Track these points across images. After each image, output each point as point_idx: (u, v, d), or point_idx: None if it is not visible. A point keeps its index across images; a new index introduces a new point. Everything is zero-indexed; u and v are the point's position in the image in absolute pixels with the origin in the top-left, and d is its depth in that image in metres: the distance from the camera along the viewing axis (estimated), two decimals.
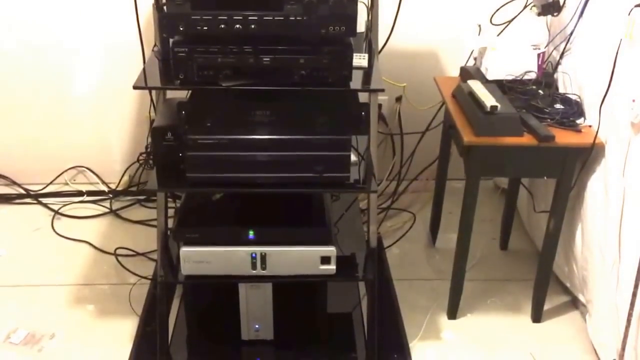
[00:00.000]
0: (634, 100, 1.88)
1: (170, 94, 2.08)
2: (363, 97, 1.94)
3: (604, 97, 2.00)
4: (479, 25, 2.36)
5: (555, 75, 2.31)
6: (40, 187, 3.06)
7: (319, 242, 1.97)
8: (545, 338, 2.30)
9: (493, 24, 2.38)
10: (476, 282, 2.51)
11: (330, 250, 1.97)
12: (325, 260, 1.97)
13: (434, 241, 2.78)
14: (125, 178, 3.07)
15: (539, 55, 2.26)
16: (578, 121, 2.12)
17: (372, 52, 2.05)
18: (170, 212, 2.22)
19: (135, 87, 1.82)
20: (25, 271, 2.57)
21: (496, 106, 2.03)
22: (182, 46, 1.73)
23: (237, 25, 1.70)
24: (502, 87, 2.23)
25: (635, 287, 1.85)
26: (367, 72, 1.95)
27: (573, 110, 2.14)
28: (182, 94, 2.01)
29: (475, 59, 2.45)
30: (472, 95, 2.15)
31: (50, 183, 3.08)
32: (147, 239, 2.69)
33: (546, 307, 2.37)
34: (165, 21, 1.73)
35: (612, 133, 2.02)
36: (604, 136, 2.05)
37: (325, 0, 1.69)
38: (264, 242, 1.97)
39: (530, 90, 2.22)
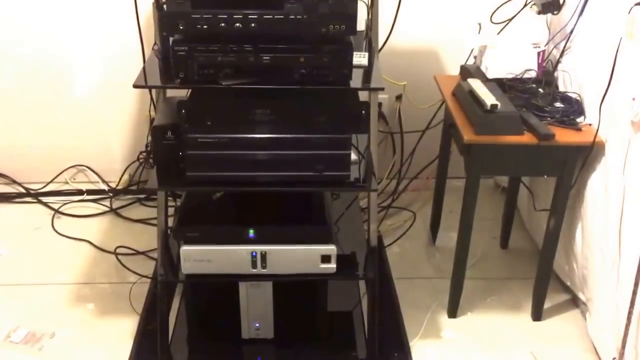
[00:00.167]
0: (634, 99, 1.88)
1: (171, 92, 2.08)
2: (363, 95, 1.93)
3: (604, 96, 2.00)
4: (479, 24, 2.36)
5: (555, 74, 2.31)
6: (41, 186, 3.06)
7: (319, 241, 1.97)
8: (546, 336, 2.30)
9: (493, 23, 2.38)
10: (476, 281, 2.51)
11: (330, 248, 1.97)
12: (325, 259, 1.97)
13: (434, 240, 2.78)
14: (126, 177, 3.07)
15: (539, 53, 2.26)
16: (578, 120, 2.12)
17: (372, 50, 2.05)
18: (171, 210, 2.22)
19: (135, 86, 1.83)
20: (26, 270, 2.57)
21: (496, 105, 2.03)
22: (182, 45, 1.73)
23: (238, 24, 1.70)
24: (502, 85, 2.22)
25: (636, 285, 1.85)
26: (367, 71, 1.95)
27: (573, 109, 2.14)
28: (182, 93, 2.01)
29: (475, 57, 2.44)
30: (472, 93, 2.15)
31: (51, 182, 3.08)
32: (148, 238, 2.69)
33: (546, 305, 2.37)
34: (165, 20, 1.73)
35: (612, 131, 2.02)
36: (604, 135, 2.05)
37: None
38: (264, 241, 1.97)
39: (531, 88, 2.22)
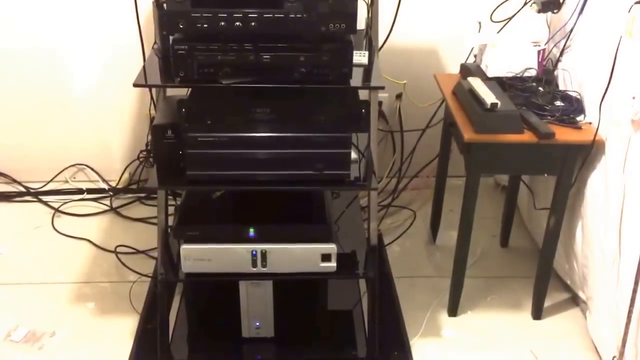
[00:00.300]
0: (634, 97, 1.88)
1: (171, 91, 2.08)
2: (363, 94, 1.93)
3: (604, 94, 2.00)
4: (479, 23, 2.36)
5: (555, 73, 2.31)
6: (41, 185, 3.06)
7: (319, 240, 1.97)
8: (546, 335, 2.30)
9: (493, 21, 2.37)
10: (476, 280, 2.51)
11: (330, 247, 1.97)
12: (325, 257, 1.97)
13: (434, 238, 2.78)
14: (126, 176, 3.07)
15: (539, 52, 2.26)
16: (578, 118, 2.12)
17: (372, 49, 2.05)
18: (171, 209, 2.22)
19: (135, 85, 1.83)
20: (26, 269, 2.57)
21: (496, 103, 2.03)
22: (182, 44, 1.73)
23: (237, 23, 1.70)
24: (502, 84, 2.22)
25: (636, 284, 1.85)
26: (367, 70, 1.95)
27: (573, 108, 2.14)
28: (182, 92, 2.01)
29: (475, 56, 2.44)
30: (472, 92, 2.15)
31: (51, 181, 3.08)
32: (148, 237, 2.69)
33: (546, 304, 2.37)
34: (165, 18, 1.73)
35: (612, 130, 2.02)
36: (604, 133, 2.05)
37: None
38: (264, 240, 1.97)
39: (531, 87, 2.22)
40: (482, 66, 2.34)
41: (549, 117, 2.10)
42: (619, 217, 2.00)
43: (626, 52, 1.92)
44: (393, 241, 2.75)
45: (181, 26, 1.71)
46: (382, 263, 2.52)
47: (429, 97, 2.69)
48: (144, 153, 3.02)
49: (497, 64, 2.28)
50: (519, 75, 2.26)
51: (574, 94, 2.19)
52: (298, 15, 1.70)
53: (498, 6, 2.36)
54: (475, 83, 2.17)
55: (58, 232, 2.80)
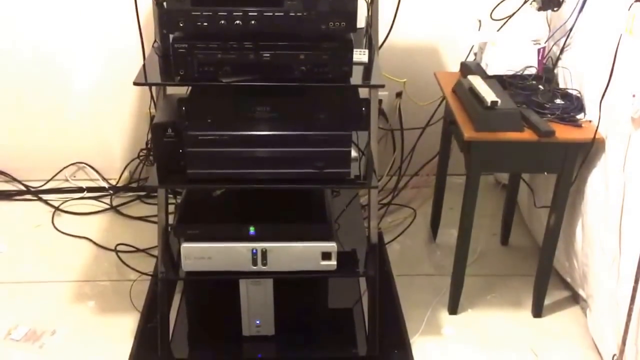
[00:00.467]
0: (634, 96, 1.88)
1: (171, 90, 2.07)
2: (363, 92, 1.93)
3: (604, 92, 2.00)
4: (479, 21, 2.36)
5: (555, 71, 2.31)
6: (41, 183, 3.06)
7: (319, 238, 1.97)
8: (546, 333, 2.30)
9: (493, 19, 2.37)
10: (477, 278, 2.51)
11: (331, 246, 1.97)
12: (326, 256, 1.97)
13: (434, 237, 2.78)
14: (126, 174, 3.08)
15: (539, 50, 2.26)
16: (578, 116, 2.12)
17: (372, 47, 2.05)
18: (171, 208, 2.22)
19: (135, 84, 1.82)
20: (26, 268, 2.57)
21: (496, 101, 2.03)
22: (182, 42, 1.73)
23: (237, 21, 1.70)
24: (502, 82, 2.22)
25: (636, 282, 1.86)
26: (368, 68, 1.95)
27: (573, 106, 2.14)
28: (182, 90, 2.01)
29: (475, 54, 2.44)
30: (472, 90, 2.15)
31: (51, 179, 3.08)
32: (148, 235, 2.69)
33: (547, 302, 2.37)
34: (165, 17, 1.72)
35: (612, 128, 2.02)
36: (604, 131, 2.05)
37: None
38: (264, 238, 1.97)
39: (531, 85, 2.22)
40: (482, 64, 2.34)
41: (549, 115, 2.10)
42: (619, 215, 2.00)
43: (626, 50, 1.92)
44: (393, 239, 2.76)
45: (181, 25, 1.71)
46: (382, 261, 2.52)
47: (429, 96, 2.69)
48: (144, 151, 3.02)
49: (497, 62, 2.28)
50: (519, 74, 2.26)
51: (574, 92, 2.19)
52: (298, 14, 1.70)
53: (498, 4, 2.36)
54: (476, 81, 2.17)
55: (58, 230, 2.80)
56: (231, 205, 2.09)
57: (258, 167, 1.86)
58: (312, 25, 1.72)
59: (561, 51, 2.29)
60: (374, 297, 2.09)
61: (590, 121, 2.10)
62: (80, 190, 3.04)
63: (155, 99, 2.22)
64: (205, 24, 1.70)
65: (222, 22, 1.70)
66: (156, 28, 1.97)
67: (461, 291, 2.35)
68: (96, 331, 2.27)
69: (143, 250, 2.63)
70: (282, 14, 1.70)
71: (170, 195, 2.48)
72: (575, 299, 2.44)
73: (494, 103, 2.03)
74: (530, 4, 2.28)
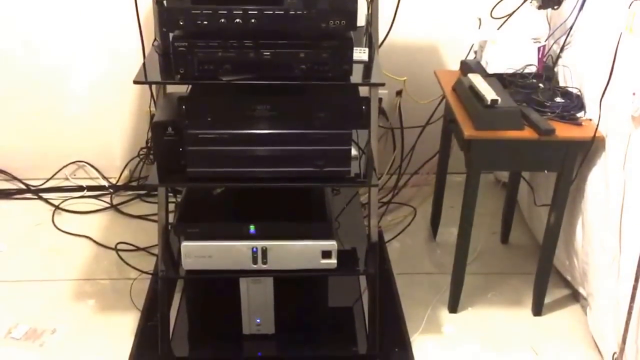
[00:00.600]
0: (634, 94, 1.87)
1: (171, 88, 2.07)
2: (363, 91, 1.93)
3: (604, 91, 2.00)
4: (479, 19, 2.36)
5: (555, 69, 2.31)
6: (41, 182, 3.06)
7: (320, 237, 1.97)
8: (546, 331, 2.30)
9: (493, 18, 2.37)
10: (477, 276, 2.51)
11: (331, 244, 1.97)
12: (326, 254, 1.98)
13: (434, 235, 2.78)
14: (126, 173, 3.08)
15: (539, 48, 2.26)
16: (578, 115, 2.12)
17: (372, 46, 2.05)
18: (171, 206, 2.22)
19: (135, 82, 1.82)
20: (26, 266, 2.57)
21: (497, 100, 2.03)
22: (182, 41, 1.73)
23: (238, 20, 1.70)
24: (502, 80, 2.22)
25: (636, 280, 1.85)
26: (368, 66, 1.95)
27: (573, 104, 2.14)
28: (182, 89, 2.00)
29: (475, 52, 2.44)
30: (472, 89, 2.15)
31: (51, 178, 3.08)
32: (148, 234, 2.69)
33: (547, 300, 2.37)
34: (165, 15, 1.72)
35: (612, 126, 2.02)
36: (605, 129, 2.05)
37: None
38: (265, 237, 1.97)
39: (531, 83, 2.22)
40: (482, 63, 2.34)
41: (549, 114, 2.10)
42: (619, 213, 2.00)
43: (626, 49, 1.92)
44: (393, 238, 2.76)
45: (181, 23, 1.71)
46: (382, 260, 2.52)
47: (429, 94, 2.69)
48: (144, 150, 3.02)
49: (497, 60, 2.28)
50: (519, 72, 2.26)
51: (574, 91, 2.19)
52: (298, 12, 1.70)
53: (498, 2, 2.35)
54: (476, 80, 2.17)
55: (58, 229, 2.80)
56: (231, 203, 2.09)
57: (258, 166, 1.86)
58: (312, 24, 1.72)
59: (561, 49, 2.28)
60: (374, 295, 2.09)
61: (590, 119, 2.10)
62: (80, 189, 3.04)
63: (155, 98, 2.22)
64: (205, 22, 1.70)
65: (222, 20, 1.70)
66: (156, 26, 1.97)
67: (461, 289, 2.35)
68: (96, 330, 2.27)
69: (143, 249, 2.64)
70: (282, 12, 1.70)
71: (171, 194, 2.48)
72: (575, 297, 2.44)
73: (494, 101, 2.03)
74: (531, 2, 2.27)
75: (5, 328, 2.26)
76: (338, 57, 1.76)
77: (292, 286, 2.15)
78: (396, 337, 2.22)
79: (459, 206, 2.22)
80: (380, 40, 2.35)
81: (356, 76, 1.84)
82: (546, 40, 2.29)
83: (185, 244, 1.95)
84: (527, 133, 2.04)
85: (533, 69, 2.26)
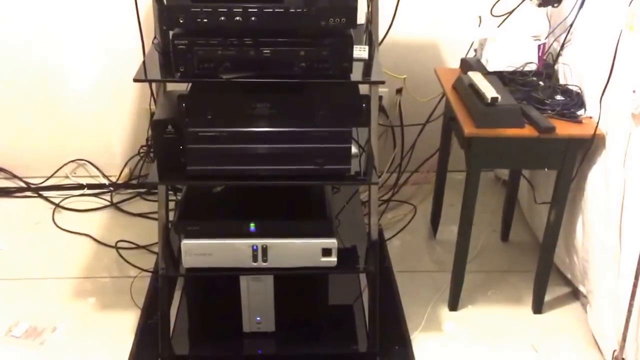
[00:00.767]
0: (634, 91, 1.87)
1: (171, 86, 2.07)
2: (364, 89, 1.93)
3: (604, 88, 2.00)
4: (480, 17, 2.35)
5: (555, 67, 2.31)
6: (41, 180, 3.06)
7: (320, 234, 1.97)
8: (546, 329, 2.30)
9: (493, 15, 2.37)
10: (477, 274, 2.51)
11: (331, 242, 1.97)
12: (326, 252, 1.98)
13: (434, 233, 2.78)
14: (126, 171, 3.07)
15: (539, 46, 2.26)
16: (579, 112, 2.12)
17: (372, 43, 2.05)
18: (171, 204, 2.22)
19: (135, 80, 1.82)
20: (26, 265, 2.57)
21: (497, 98, 2.03)
22: (182, 39, 1.73)
23: (237, 18, 1.70)
24: (502, 78, 2.22)
25: (636, 278, 1.86)
26: (368, 64, 1.95)
27: (574, 102, 2.14)
28: (182, 87, 2.00)
29: (475, 50, 2.44)
30: (472, 86, 2.15)
31: (51, 176, 3.08)
32: (148, 232, 2.69)
33: (547, 298, 2.37)
34: (165, 13, 1.73)
35: (612, 124, 2.01)
36: (605, 127, 2.05)
37: None
38: (265, 235, 1.97)
39: (531, 81, 2.21)
40: (483, 60, 2.34)
41: (550, 112, 2.10)
42: (619, 211, 2.00)
43: (627, 46, 1.92)
44: (393, 236, 2.76)
45: (181, 21, 1.71)
46: (382, 258, 2.52)
47: (430, 92, 2.69)
48: (145, 148, 3.02)
49: (497, 58, 2.27)
50: (519, 70, 2.25)
51: (574, 88, 2.19)
52: (298, 10, 1.70)
53: (498, 0, 2.35)
54: (476, 77, 2.17)
55: (58, 227, 2.80)
56: (231, 201, 2.09)
57: (258, 164, 1.86)
58: (312, 22, 1.71)
59: (561, 47, 2.28)
60: (375, 293, 2.09)
61: (590, 117, 2.10)
62: (80, 187, 3.04)
63: (155, 96, 2.22)
64: (205, 20, 1.70)
65: (222, 18, 1.70)
66: (156, 24, 1.97)
67: (461, 287, 2.35)
68: (97, 328, 2.27)
69: (143, 247, 2.64)
70: (282, 10, 1.70)
71: (171, 192, 2.48)
72: (575, 295, 2.44)
73: (494, 99, 2.03)
74: (531, 0, 2.28)
75: (6, 326, 2.26)
76: (338, 55, 1.76)
77: (293, 284, 2.15)
78: (396, 334, 2.23)
79: (459, 204, 2.22)
80: (380, 38, 2.35)
81: (356, 74, 1.84)
82: (546, 38, 2.29)
83: (185, 242, 1.95)
84: (527, 131, 2.04)
85: (533, 67, 2.26)
